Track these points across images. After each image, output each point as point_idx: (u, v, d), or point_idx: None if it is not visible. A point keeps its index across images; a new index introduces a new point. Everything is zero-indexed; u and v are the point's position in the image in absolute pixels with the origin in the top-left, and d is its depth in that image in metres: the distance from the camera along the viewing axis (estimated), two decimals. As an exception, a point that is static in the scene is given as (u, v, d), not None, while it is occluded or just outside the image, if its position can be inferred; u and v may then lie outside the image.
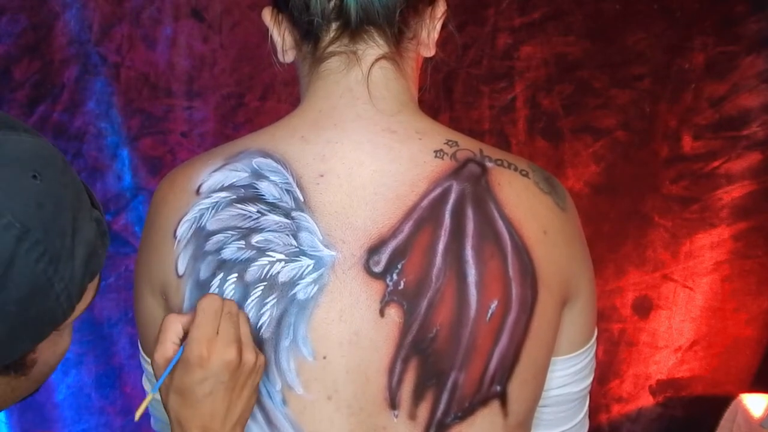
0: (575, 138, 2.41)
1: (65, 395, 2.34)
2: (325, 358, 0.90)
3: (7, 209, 0.71)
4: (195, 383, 0.84)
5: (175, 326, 0.86)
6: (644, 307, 2.50)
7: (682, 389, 2.54)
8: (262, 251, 0.91)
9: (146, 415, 1.15)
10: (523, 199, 0.94)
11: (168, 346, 0.86)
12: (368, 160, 0.93)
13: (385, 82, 0.96)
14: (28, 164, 0.74)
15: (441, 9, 0.99)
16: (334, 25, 0.95)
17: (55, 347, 0.83)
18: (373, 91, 0.95)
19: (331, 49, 0.96)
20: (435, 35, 1.00)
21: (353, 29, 0.94)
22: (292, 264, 0.90)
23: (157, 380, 0.87)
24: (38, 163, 0.74)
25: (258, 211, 0.92)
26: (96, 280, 0.83)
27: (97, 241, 0.80)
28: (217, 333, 0.85)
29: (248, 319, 0.89)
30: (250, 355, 0.86)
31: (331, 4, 0.93)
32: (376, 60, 0.96)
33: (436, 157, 0.93)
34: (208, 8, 2.27)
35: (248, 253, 0.91)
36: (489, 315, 0.90)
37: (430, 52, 1.01)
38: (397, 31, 0.95)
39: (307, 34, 0.96)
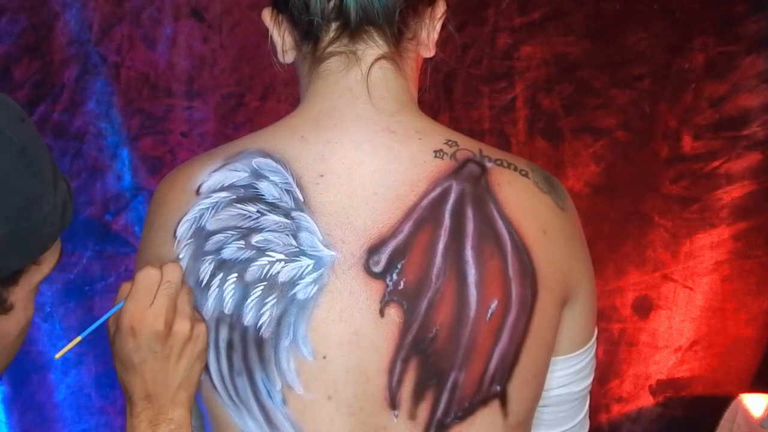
0: (575, 138, 2.41)
1: (65, 395, 2.34)
2: (325, 357, 0.90)
3: (6, 128, 0.78)
4: (130, 351, 0.90)
5: (125, 294, 0.92)
6: (644, 307, 2.50)
7: (682, 389, 2.54)
8: (261, 251, 0.91)
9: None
10: (522, 199, 0.94)
11: (116, 317, 0.92)
12: (368, 160, 0.93)
13: (385, 82, 0.97)
14: (16, 110, 0.82)
15: (441, 9, 0.99)
16: (333, 25, 0.95)
17: (26, 310, 0.86)
18: (372, 90, 0.96)
19: (330, 49, 0.96)
20: (435, 35, 1.00)
21: (353, 29, 0.94)
22: (292, 264, 0.90)
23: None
24: (22, 114, 0.82)
25: (258, 211, 0.92)
26: (59, 244, 0.88)
27: (67, 197, 0.85)
28: (151, 304, 0.90)
29: (190, 289, 0.93)
30: (183, 326, 0.90)
31: (331, 4, 0.93)
32: (376, 60, 0.96)
33: (435, 157, 0.93)
34: (208, 8, 2.27)
35: (248, 253, 0.91)
36: (489, 315, 0.90)
37: (429, 52, 1.01)
38: (396, 32, 0.95)
39: (307, 34, 0.96)
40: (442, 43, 1.03)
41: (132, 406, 0.92)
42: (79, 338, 0.91)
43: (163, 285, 0.90)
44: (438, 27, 1.00)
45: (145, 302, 0.90)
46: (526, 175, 0.96)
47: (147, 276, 0.91)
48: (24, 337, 0.89)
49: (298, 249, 0.91)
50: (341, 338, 0.89)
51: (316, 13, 0.94)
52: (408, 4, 0.95)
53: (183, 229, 0.94)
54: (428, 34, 0.99)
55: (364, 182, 0.92)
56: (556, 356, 1.00)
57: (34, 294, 0.87)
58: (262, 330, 0.90)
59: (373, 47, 0.96)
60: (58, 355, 0.93)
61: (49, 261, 0.86)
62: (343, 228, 0.90)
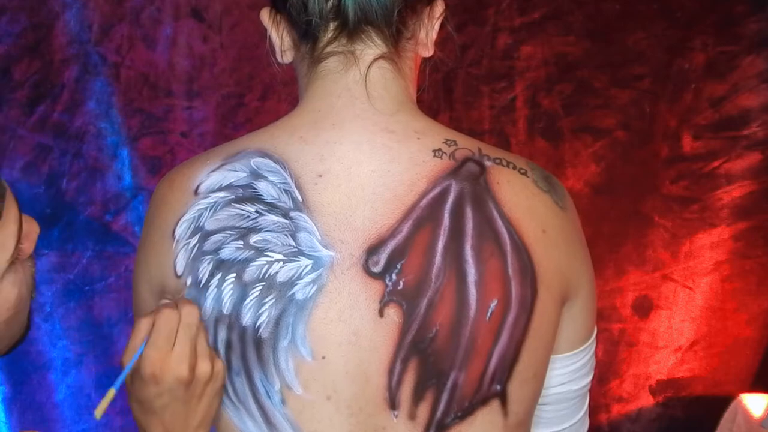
0: (575, 138, 2.41)
1: (65, 395, 2.35)
2: (324, 358, 0.90)
3: None
4: (152, 397, 0.89)
5: (144, 333, 0.89)
6: (644, 307, 2.50)
7: (682, 389, 2.54)
8: (260, 251, 0.91)
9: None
10: (522, 198, 0.93)
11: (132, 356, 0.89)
12: (367, 160, 0.93)
13: (384, 82, 0.96)
14: None
15: (439, 9, 0.99)
16: (332, 25, 0.95)
17: (7, 294, 0.84)
18: (371, 90, 0.95)
19: (329, 49, 0.96)
20: (433, 35, 1.00)
21: (351, 29, 0.94)
22: (290, 264, 0.90)
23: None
24: None
25: (256, 211, 0.92)
26: (15, 216, 0.84)
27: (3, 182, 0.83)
28: (172, 348, 0.88)
29: (204, 326, 0.91)
30: (204, 367, 0.90)
31: (329, 3, 0.93)
32: (374, 60, 0.96)
33: (434, 156, 0.93)
34: (208, 8, 2.27)
35: (246, 253, 0.91)
36: (489, 314, 0.90)
37: (428, 52, 1.01)
38: (395, 31, 0.95)
39: (305, 34, 0.96)
40: (442, 42, 1.03)
41: None
42: (113, 390, 0.88)
43: (183, 328, 0.89)
44: (436, 26, 1.00)
45: (167, 348, 0.88)
46: (525, 174, 0.95)
47: (168, 321, 0.88)
48: (15, 326, 0.87)
49: (296, 249, 0.91)
50: (340, 338, 0.89)
51: (314, 13, 0.94)
52: (406, 3, 0.95)
53: (182, 228, 0.94)
54: (427, 34, 0.99)
55: (363, 182, 0.92)
56: (555, 354, 1.00)
57: (17, 279, 0.85)
58: (260, 330, 0.90)
59: (371, 47, 0.96)
60: (98, 413, 0.89)
61: (5, 237, 0.82)
62: (342, 228, 0.90)
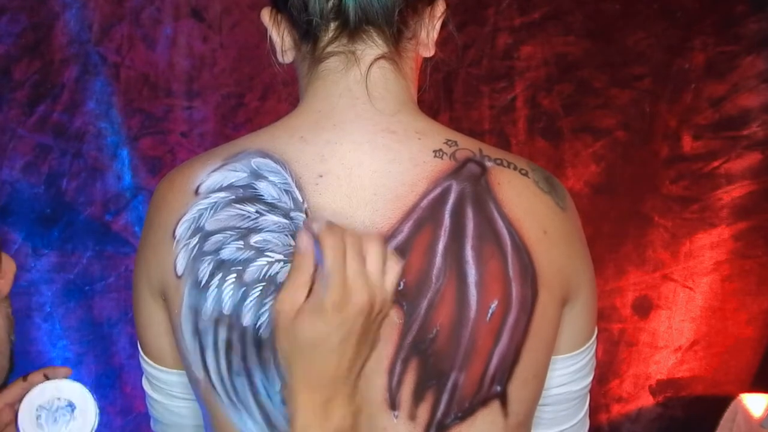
0: (575, 138, 2.41)
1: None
2: (324, 358, 0.89)
3: None
4: (332, 331, 0.80)
5: (309, 268, 0.82)
6: (644, 307, 2.50)
7: (682, 389, 2.55)
8: (260, 251, 0.91)
9: (146, 415, 1.15)
10: (522, 199, 0.93)
11: (299, 293, 0.81)
12: (368, 160, 0.93)
13: (384, 82, 0.96)
14: None
15: (440, 8, 0.99)
16: (332, 25, 0.95)
17: None
18: (372, 91, 0.95)
19: (329, 49, 0.95)
20: (434, 35, 1.00)
21: (352, 29, 0.94)
22: (290, 264, 0.90)
23: (277, 335, 0.82)
24: None
25: (257, 212, 0.92)
26: None
27: None
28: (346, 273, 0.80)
29: (377, 243, 0.83)
30: (379, 294, 0.82)
31: (330, 3, 0.93)
32: (375, 60, 0.96)
33: (435, 157, 0.93)
34: (208, 8, 2.27)
35: (247, 254, 0.91)
36: (489, 315, 0.90)
37: (429, 51, 1.00)
38: (396, 31, 0.95)
39: (306, 34, 0.96)
40: (442, 42, 1.03)
41: (310, 394, 0.82)
42: None
43: (349, 247, 0.81)
44: (438, 26, 1.00)
45: (343, 271, 0.80)
46: (526, 175, 0.95)
47: (338, 242, 0.81)
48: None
49: (297, 249, 0.90)
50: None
51: (315, 13, 0.94)
52: (407, 3, 0.95)
53: (182, 229, 0.94)
54: (428, 34, 0.99)
55: (364, 183, 0.92)
56: (556, 355, 0.99)
57: None
58: (261, 330, 0.90)
59: (372, 47, 0.95)
60: None
61: None
62: (343, 228, 0.90)
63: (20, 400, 1.00)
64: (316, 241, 0.81)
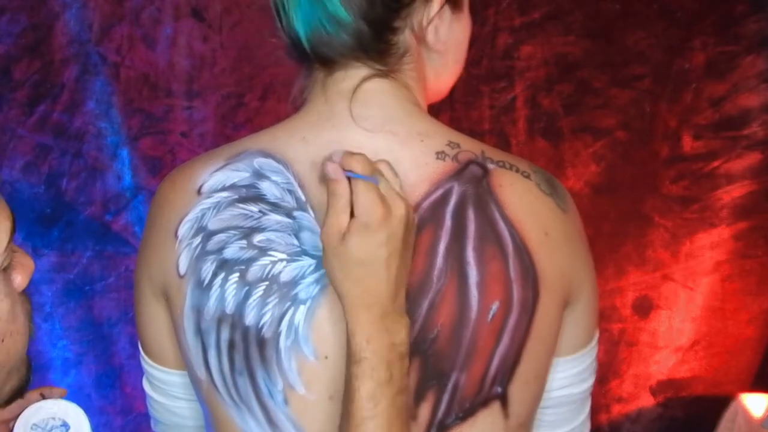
0: (575, 138, 2.41)
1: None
2: (326, 358, 0.90)
3: None
4: (380, 246, 0.83)
5: (346, 192, 0.84)
6: (644, 307, 2.50)
7: (682, 389, 2.54)
8: (263, 251, 0.91)
9: (146, 415, 1.15)
10: (524, 201, 0.93)
11: (343, 217, 0.84)
12: (369, 161, 0.92)
13: (381, 97, 0.95)
14: None
15: (435, 8, 0.95)
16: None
17: None
18: (360, 111, 0.94)
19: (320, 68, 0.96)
20: (442, 33, 0.97)
21: (328, 64, 0.94)
22: (293, 263, 0.90)
23: (328, 262, 0.84)
24: None
25: (260, 211, 0.92)
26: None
27: None
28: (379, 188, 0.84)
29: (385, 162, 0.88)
30: (409, 205, 0.86)
31: (298, 50, 0.94)
32: (362, 81, 0.94)
33: (437, 158, 0.93)
34: (208, 8, 2.27)
35: (250, 253, 0.91)
36: (490, 316, 0.90)
37: (440, 51, 0.98)
38: (377, 54, 0.94)
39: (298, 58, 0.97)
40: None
41: (367, 311, 0.84)
42: None
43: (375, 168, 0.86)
44: (446, 19, 0.97)
45: (377, 189, 0.84)
46: (528, 177, 0.95)
47: (368, 164, 0.85)
48: (12, 356, 0.84)
49: (300, 248, 0.91)
50: (343, 338, 0.89)
51: (293, 53, 0.96)
52: (379, 28, 0.92)
53: (185, 228, 0.94)
54: (436, 31, 0.96)
55: (366, 183, 0.92)
56: (557, 357, 1.00)
57: (8, 291, 0.82)
58: (263, 330, 0.90)
59: (359, 68, 0.95)
60: None
61: None
62: (345, 228, 0.90)
63: (16, 418, 1.01)
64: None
